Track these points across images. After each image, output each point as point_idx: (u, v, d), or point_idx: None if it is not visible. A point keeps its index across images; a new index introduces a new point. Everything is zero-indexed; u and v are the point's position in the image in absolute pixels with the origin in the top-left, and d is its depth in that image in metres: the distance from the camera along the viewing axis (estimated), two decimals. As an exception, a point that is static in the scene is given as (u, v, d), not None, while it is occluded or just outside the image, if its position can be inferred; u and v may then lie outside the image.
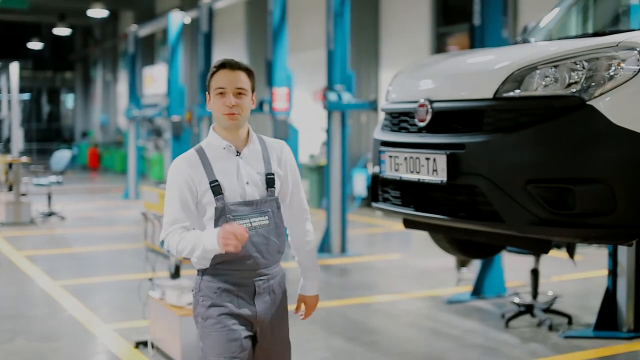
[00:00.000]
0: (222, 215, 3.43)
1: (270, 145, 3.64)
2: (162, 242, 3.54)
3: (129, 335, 6.89)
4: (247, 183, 3.49)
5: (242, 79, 3.49)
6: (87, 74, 45.26)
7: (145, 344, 6.50)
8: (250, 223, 3.46)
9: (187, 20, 18.91)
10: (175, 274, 6.42)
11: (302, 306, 3.82)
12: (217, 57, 17.65)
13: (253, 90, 3.55)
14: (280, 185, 3.61)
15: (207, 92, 3.54)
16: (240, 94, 3.47)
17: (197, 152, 3.54)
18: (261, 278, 3.52)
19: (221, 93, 3.46)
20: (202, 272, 3.55)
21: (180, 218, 3.48)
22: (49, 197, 15.49)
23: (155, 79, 28.32)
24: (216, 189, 3.44)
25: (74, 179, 25.97)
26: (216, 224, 3.42)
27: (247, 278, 3.49)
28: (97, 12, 31.06)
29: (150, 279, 6.41)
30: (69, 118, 49.14)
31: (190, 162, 3.50)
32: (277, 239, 3.56)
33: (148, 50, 31.32)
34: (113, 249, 12.09)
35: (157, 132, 27.04)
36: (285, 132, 12.03)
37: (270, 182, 3.54)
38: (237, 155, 3.53)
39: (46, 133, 46.52)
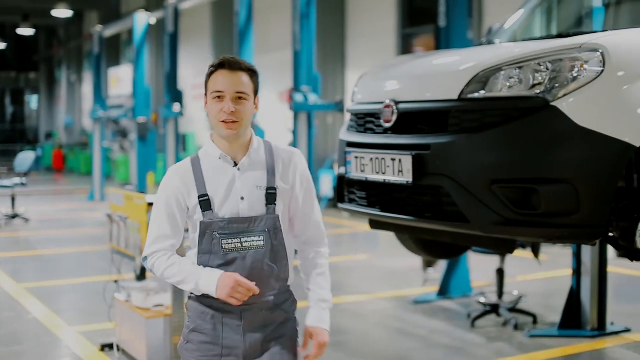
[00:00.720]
0: (207, 232, 3.07)
1: (278, 154, 3.18)
2: (145, 259, 3.18)
3: (94, 338, 6.83)
4: (242, 198, 3.08)
5: (244, 81, 3.09)
6: (51, 75, 44.90)
7: (111, 346, 6.45)
8: (240, 243, 3.06)
9: (153, 20, 18.83)
10: (141, 276, 6.38)
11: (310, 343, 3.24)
12: (182, 58, 17.56)
13: (256, 93, 3.16)
14: (287, 202, 3.17)
15: (204, 94, 3.16)
16: (240, 98, 3.06)
17: (192, 161, 3.16)
18: (250, 308, 3.10)
19: (219, 97, 3.06)
20: (191, 293, 3.19)
21: (165, 234, 3.13)
22: (13, 199, 15.33)
23: (120, 80, 28.14)
24: (205, 204, 3.07)
25: (38, 180, 25.74)
26: (200, 242, 3.08)
27: (233, 306, 3.07)
28: (62, 12, 30.85)
29: (116, 281, 6.37)
30: (33, 119, 48.75)
31: (182, 172, 3.14)
32: (273, 264, 3.10)
33: (113, 51, 31.15)
34: (78, 251, 12.00)
35: (123, 134, 26.86)
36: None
37: (270, 197, 3.10)
38: (234, 166, 3.11)
39: (10, 134, 46.15)
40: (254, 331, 3.12)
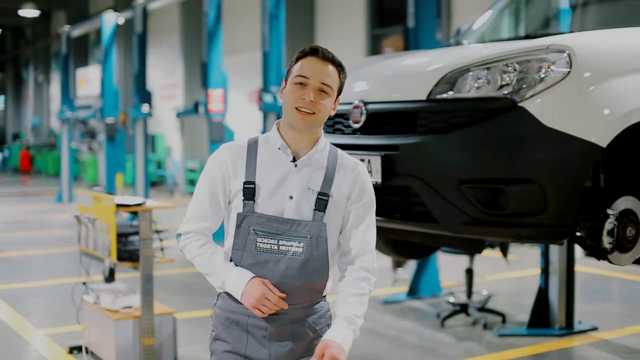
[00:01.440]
0: (242, 225, 2.82)
1: (342, 162, 2.91)
2: (179, 235, 2.95)
3: (62, 341, 6.78)
4: (291, 197, 2.82)
5: (331, 73, 2.83)
6: (18, 75, 44.53)
7: (79, 349, 6.40)
8: (277, 246, 2.80)
9: (121, 20, 18.74)
10: (110, 278, 6.34)
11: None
12: (151, 59, 17.41)
13: (339, 93, 2.92)
14: (340, 213, 2.89)
15: (284, 79, 2.90)
16: (323, 91, 2.81)
17: (249, 143, 2.90)
18: (278, 319, 2.83)
19: (301, 83, 2.79)
20: (218, 296, 2.96)
21: (204, 213, 2.89)
22: (-20, 201, 15.20)
23: (88, 80, 28.00)
24: (248, 193, 2.82)
25: (5, 182, 25.53)
26: (236, 235, 2.83)
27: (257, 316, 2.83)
28: (29, 12, 30.60)
29: (84, 283, 6.33)
30: (0, 120, 48.29)
31: (235, 152, 2.88)
32: (309, 275, 2.82)
33: (81, 51, 30.94)
34: (46, 253, 11.90)
35: (91, 134, 26.69)
36: (220, 133, 12.00)
37: (320, 203, 2.82)
38: (292, 161, 2.85)
39: (-24, 135, 45.67)
40: (280, 345, 2.85)
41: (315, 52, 2.83)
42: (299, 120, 2.79)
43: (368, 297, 2.92)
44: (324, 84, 2.81)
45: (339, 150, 2.95)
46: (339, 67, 2.88)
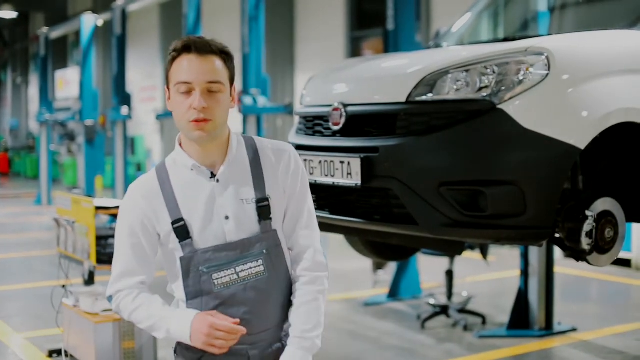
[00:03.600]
0: (191, 268, 2.48)
1: (265, 153, 2.56)
2: (110, 298, 2.64)
3: (42, 344, 6.75)
4: (227, 218, 2.48)
5: (217, 67, 2.44)
6: (-4, 77, 44.29)
7: (59, 352, 6.37)
8: (237, 274, 2.46)
9: (100, 22, 18.67)
10: (89, 281, 6.31)
11: None
12: (131, 60, 17.36)
13: (232, 81, 2.51)
14: (284, 211, 2.58)
15: (165, 86, 2.53)
16: (212, 91, 2.43)
17: (158, 175, 2.54)
18: (258, 346, 2.53)
19: (185, 91, 2.42)
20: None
21: (132, 269, 2.56)
22: (-42, 204, 15.10)
23: (67, 82, 27.87)
24: (181, 232, 2.47)
25: (-16, 184, 25.36)
26: (185, 282, 2.49)
27: (237, 344, 2.48)
28: (6, 14, 30.42)
29: (64, 286, 6.29)
30: (-22, 122, 48.01)
31: (148, 192, 2.52)
32: (279, 290, 2.55)
33: (60, 53, 30.81)
34: (25, 256, 11.83)
35: (70, 137, 26.61)
36: (200, 136, 11.95)
37: (264, 211, 2.50)
38: (211, 177, 2.50)
39: (-46, 138, 45.33)
40: None
41: (188, 48, 2.43)
42: (196, 131, 2.43)
43: (322, 297, 2.60)
44: (210, 82, 2.43)
45: (256, 139, 2.61)
46: (223, 53, 2.48)
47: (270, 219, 2.52)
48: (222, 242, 2.48)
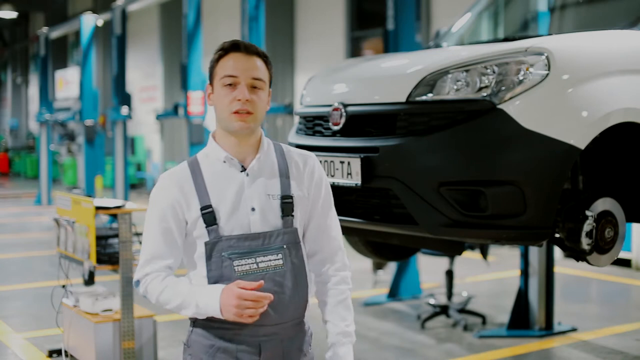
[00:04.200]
0: (214, 253, 2.59)
1: (291, 157, 2.73)
2: (137, 283, 2.71)
3: (42, 344, 6.75)
4: (253, 209, 2.61)
5: (260, 66, 2.63)
6: (-4, 77, 44.29)
7: (59, 352, 6.37)
8: (257, 264, 2.58)
9: (100, 22, 18.67)
10: (89, 281, 6.31)
11: None
12: (130, 60, 17.36)
13: (270, 85, 2.70)
14: (305, 213, 2.72)
15: (208, 84, 2.71)
16: (255, 87, 2.61)
17: (190, 166, 2.67)
18: (270, 338, 2.63)
19: (230, 84, 2.59)
20: (193, 323, 2.69)
21: (160, 254, 2.65)
22: (-42, 204, 15.10)
23: (67, 82, 27.84)
24: (208, 218, 2.58)
25: (-16, 184, 25.36)
26: (208, 266, 2.60)
27: (249, 336, 2.61)
28: (7, 14, 30.41)
29: (64, 286, 6.30)
30: (-22, 122, 48.01)
31: (180, 181, 2.64)
32: (295, 286, 2.65)
33: (60, 53, 30.80)
34: (25, 256, 11.83)
35: (70, 137, 26.61)
36: (200, 136, 11.98)
37: (287, 208, 2.64)
38: (241, 171, 2.65)
39: (-46, 138, 45.33)
40: None
41: (237, 47, 2.62)
42: (238, 123, 2.60)
43: (350, 294, 2.79)
44: (255, 78, 2.61)
45: (284, 145, 2.78)
46: (265, 58, 2.67)
47: (293, 216, 2.65)
48: (246, 231, 2.60)
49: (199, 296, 2.57)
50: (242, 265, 2.58)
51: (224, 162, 2.65)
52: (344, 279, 2.77)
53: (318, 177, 2.74)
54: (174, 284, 2.63)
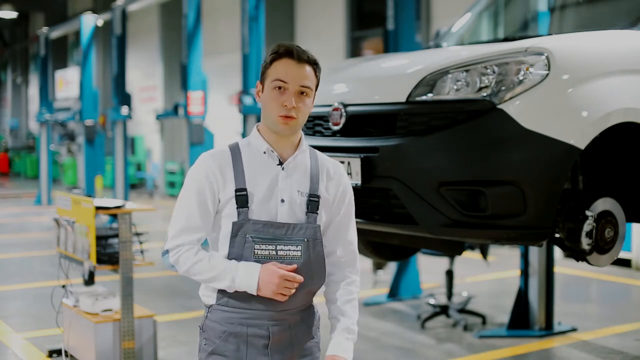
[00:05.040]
0: (239, 234, 2.75)
1: (323, 162, 2.91)
2: (166, 252, 2.85)
3: (42, 344, 6.74)
4: (283, 201, 2.79)
5: (309, 74, 2.80)
6: (-4, 77, 44.28)
7: (59, 352, 6.37)
8: (276, 251, 2.75)
9: (100, 22, 18.66)
10: (89, 281, 6.31)
11: None
12: (130, 60, 17.34)
13: (316, 88, 2.87)
14: (328, 214, 2.89)
15: (258, 81, 2.88)
16: (303, 93, 2.79)
17: (232, 150, 2.84)
18: (279, 323, 2.80)
19: (280, 87, 2.77)
20: (208, 309, 2.86)
21: (194, 225, 2.80)
22: (-42, 204, 15.09)
23: (67, 82, 27.84)
24: (241, 200, 2.75)
25: (-16, 184, 25.36)
26: (231, 244, 2.76)
27: (260, 320, 2.79)
28: (6, 14, 30.40)
29: (64, 286, 6.29)
30: (-22, 122, 48.00)
31: (220, 159, 2.81)
32: (309, 278, 2.80)
33: (60, 53, 30.79)
34: (25, 256, 11.83)
35: (70, 137, 26.61)
36: (200, 136, 11.97)
37: (312, 205, 2.82)
38: (278, 164, 2.83)
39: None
40: (281, 351, 2.81)
41: (290, 54, 2.79)
42: (282, 126, 2.77)
43: (357, 299, 2.98)
44: (303, 86, 2.78)
45: (318, 152, 2.95)
46: (315, 64, 2.84)
47: (317, 214, 2.83)
48: (273, 219, 2.77)
49: (237, 271, 2.73)
50: (262, 249, 2.75)
51: (264, 153, 2.83)
52: (354, 282, 2.97)
53: (345, 185, 2.93)
54: (208, 257, 2.78)
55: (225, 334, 2.80)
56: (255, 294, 2.73)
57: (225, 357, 2.80)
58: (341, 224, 2.93)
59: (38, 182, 20.25)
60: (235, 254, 2.77)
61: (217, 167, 2.80)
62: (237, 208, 2.76)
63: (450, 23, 6.78)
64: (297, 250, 2.77)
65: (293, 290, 2.73)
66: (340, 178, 2.92)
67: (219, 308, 2.81)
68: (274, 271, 2.71)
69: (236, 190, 2.76)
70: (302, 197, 2.81)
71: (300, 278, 2.73)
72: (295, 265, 2.74)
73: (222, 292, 2.80)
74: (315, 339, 2.94)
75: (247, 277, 2.72)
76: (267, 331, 2.79)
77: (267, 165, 2.82)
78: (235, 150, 2.84)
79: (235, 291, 2.76)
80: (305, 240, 2.79)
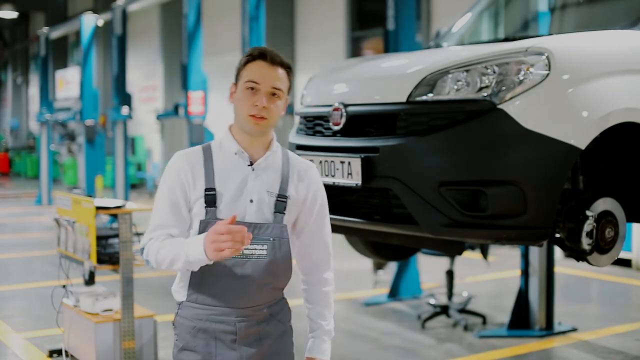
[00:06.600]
0: (205, 231, 2.77)
1: (295, 163, 2.97)
2: (142, 250, 2.93)
3: (42, 344, 6.75)
4: (251, 201, 2.85)
5: (281, 76, 2.87)
6: (-4, 77, 44.29)
7: (59, 352, 6.38)
8: (242, 250, 2.75)
9: (100, 22, 18.67)
10: (90, 281, 6.31)
11: None
12: (131, 60, 17.37)
13: (288, 92, 2.95)
14: (296, 215, 2.95)
15: (233, 83, 2.92)
16: (274, 94, 2.85)
17: (204, 150, 2.91)
18: (246, 320, 2.87)
19: (252, 88, 2.83)
20: (179, 305, 2.93)
21: (166, 223, 2.87)
22: (-42, 204, 15.10)
23: (68, 82, 27.85)
24: (210, 199, 2.82)
25: (-16, 184, 25.36)
26: None
27: (227, 316, 2.85)
28: (7, 14, 30.41)
29: (64, 286, 6.30)
30: (-22, 122, 48.00)
31: (191, 159, 2.88)
32: (274, 276, 2.87)
33: (60, 53, 30.81)
34: (25, 256, 11.83)
35: (71, 137, 26.61)
36: (200, 136, 11.98)
37: (280, 205, 2.87)
38: (249, 165, 2.89)
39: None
40: (249, 346, 2.88)
41: (263, 56, 2.87)
42: (253, 125, 2.83)
43: (332, 295, 3.08)
44: (275, 87, 2.84)
45: (290, 153, 3.01)
46: (288, 68, 2.91)
47: (284, 214, 2.88)
48: (241, 219, 2.82)
49: (187, 246, 2.75)
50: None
51: (235, 154, 2.88)
52: (328, 281, 3.06)
53: (316, 187, 2.99)
54: (170, 242, 2.83)
55: (195, 330, 2.87)
56: (206, 262, 2.73)
57: (196, 353, 2.87)
58: (315, 227, 3.01)
59: (38, 182, 20.25)
60: None
61: (188, 166, 2.87)
62: (205, 207, 2.83)
63: (450, 23, 6.77)
64: (262, 249, 2.83)
65: (239, 245, 2.64)
66: (312, 179, 2.98)
67: (189, 305, 2.89)
68: (212, 230, 2.68)
69: (205, 190, 2.83)
70: (271, 197, 2.87)
71: (239, 227, 2.64)
72: (234, 216, 2.69)
73: (191, 289, 2.87)
74: (288, 332, 3.03)
75: (195, 248, 2.72)
76: (235, 327, 2.85)
77: (237, 165, 2.88)
78: (207, 150, 2.91)
79: (204, 288, 2.84)
80: (272, 239, 2.85)
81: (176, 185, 2.87)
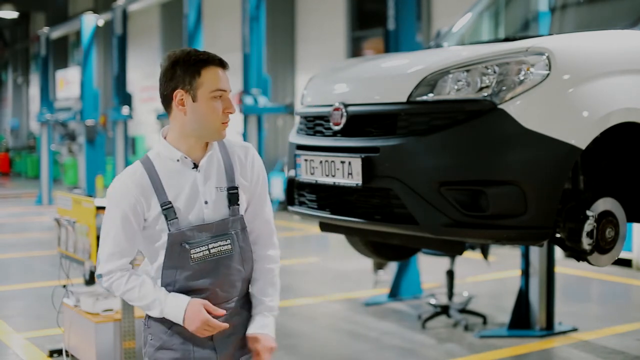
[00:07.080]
0: (175, 244, 2.84)
1: (233, 150, 2.98)
2: (100, 276, 2.95)
3: (42, 344, 6.75)
4: (206, 202, 2.88)
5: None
6: (-3, 77, 44.29)
7: (59, 352, 6.38)
8: (209, 250, 2.86)
9: (101, 22, 18.68)
10: (90, 281, 6.31)
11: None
12: (131, 60, 17.34)
13: None
14: (249, 200, 3.01)
15: (182, 89, 2.83)
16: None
17: (145, 166, 2.87)
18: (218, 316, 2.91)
19: (221, 97, 2.84)
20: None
21: (123, 251, 2.90)
22: (-42, 204, 15.10)
23: (68, 82, 27.86)
24: (169, 213, 2.83)
25: (-15, 184, 25.35)
26: (168, 253, 2.85)
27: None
28: (7, 14, 30.41)
29: (65, 286, 6.29)
30: (-21, 122, 48.01)
31: (138, 181, 2.85)
32: (242, 267, 2.95)
33: (61, 52, 30.82)
34: (25, 255, 11.84)
35: (71, 136, 26.62)
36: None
37: (233, 198, 2.92)
38: (193, 168, 2.89)
39: (-45, 137, 45.33)
40: (225, 340, 2.95)
41: (217, 61, 2.86)
42: (223, 132, 2.89)
43: (278, 274, 3.10)
44: (230, 90, 2.90)
45: (224, 140, 2.99)
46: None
47: (239, 205, 2.94)
48: (201, 222, 2.88)
49: (165, 305, 2.86)
50: (197, 252, 2.86)
51: (177, 160, 2.89)
52: (273, 259, 3.09)
53: (258, 166, 3.03)
54: (139, 285, 2.90)
55: (171, 329, 2.92)
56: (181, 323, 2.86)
57: (174, 351, 2.92)
58: (257, 204, 3.04)
59: (39, 182, 20.26)
60: (171, 264, 2.88)
61: (136, 189, 2.85)
62: (167, 221, 2.84)
63: (450, 23, 6.77)
64: (227, 245, 2.90)
65: (215, 332, 2.86)
66: (253, 160, 3.02)
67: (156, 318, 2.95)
68: (198, 313, 2.82)
69: (161, 205, 2.84)
70: (222, 193, 2.91)
71: (224, 325, 2.85)
72: (223, 312, 2.87)
73: (165, 289, 2.91)
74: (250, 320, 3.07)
75: (174, 311, 2.85)
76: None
77: (182, 172, 2.89)
78: (147, 165, 2.89)
79: (178, 285, 2.89)
80: (233, 232, 2.92)
81: (129, 212, 2.85)
